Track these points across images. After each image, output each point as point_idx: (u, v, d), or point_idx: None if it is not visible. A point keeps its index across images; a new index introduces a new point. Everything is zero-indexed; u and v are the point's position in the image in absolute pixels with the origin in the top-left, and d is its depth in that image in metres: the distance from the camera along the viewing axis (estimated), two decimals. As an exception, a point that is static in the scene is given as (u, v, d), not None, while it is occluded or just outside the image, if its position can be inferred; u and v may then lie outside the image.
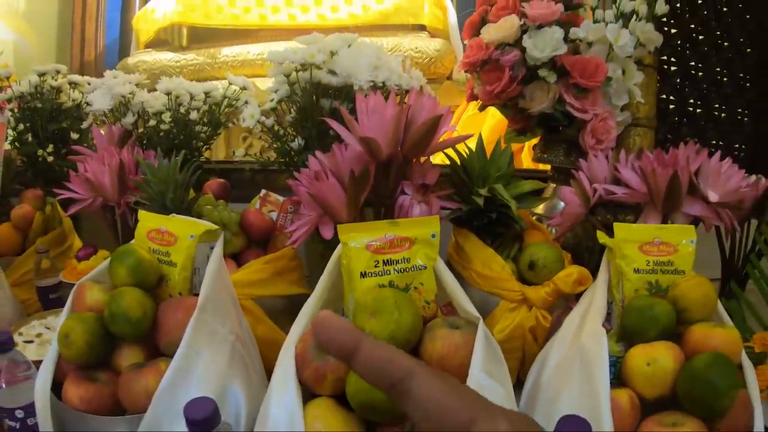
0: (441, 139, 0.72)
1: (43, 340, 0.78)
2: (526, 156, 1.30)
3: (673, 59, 1.15)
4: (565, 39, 0.89)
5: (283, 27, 1.49)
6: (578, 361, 0.56)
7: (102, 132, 0.94)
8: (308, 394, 0.48)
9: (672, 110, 1.15)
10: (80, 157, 0.91)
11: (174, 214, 0.65)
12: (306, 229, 0.71)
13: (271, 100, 0.88)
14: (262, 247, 0.81)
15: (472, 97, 0.93)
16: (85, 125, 0.99)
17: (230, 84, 1.01)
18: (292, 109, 0.86)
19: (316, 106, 0.85)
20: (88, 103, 0.97)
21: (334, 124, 0.70)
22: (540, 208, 0.97)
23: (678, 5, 1.15)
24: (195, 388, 0.51)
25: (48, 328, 0.81)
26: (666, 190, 0.73)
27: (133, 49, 1.57)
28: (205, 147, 1.04)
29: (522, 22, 0.88)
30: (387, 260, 0.52)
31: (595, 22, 0.91)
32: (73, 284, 0.62)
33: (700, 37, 1.16)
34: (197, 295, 0.57)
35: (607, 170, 0.82)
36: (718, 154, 0.78)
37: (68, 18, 1.50)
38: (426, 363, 0.47)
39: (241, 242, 0.79)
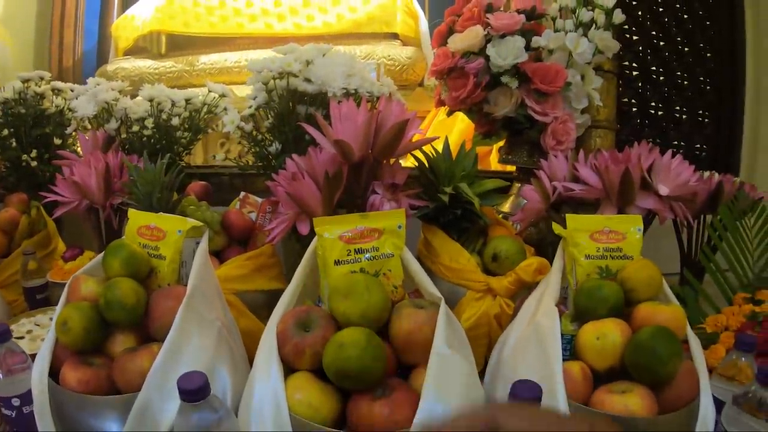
0: (409, 142, 0.82)
1: (33, 336, 0.86)
2: (494, 158, 1.40)
3: (635, 64, 1.27)
4: (528, 47, 0.99)
5: (260, 35, 1.59)
6: (534, 337, 0.64)
7: (87, 137, 1.02)
8: (289, 370, 0.57)
9: (634, 113, 1.26)
10: (66, 162, 0.99)
11: (162, 213, 0.74)
12: (284, 226, 0.80)
13: (250, 107, 0.98)
14: (243, 245, 0.89)
15: (440, 103, 1.03)
16: (69, 130, 1.07)
17: (210, 91, 1.10)
18: (269, 115, 0.95)
19: (292, 112, 0.94)
20: (71, 110, 1.05)
21: (310, 129, 0.79)
22: (506, 206, 1.07)
23: (639, 12, 1.26)
24: (185, 368, 0.58)
25: (38, 325, 0.88)
26: (619, 185, 0.83)
27: (111, 56, 1.65)
28: (185, 152, 1.12)
29: (486, 32, 0.98)
30: (358, 249, 0.61)
31: (556, 31, 1.02)
32: (61, 284, 0.70)
33: (662, 43, 1.27)
34: (185, 285, 0.65)
35: (566, 169, 0.92)
36: (669, 152, 0.88)
37: (46, 24, 1.58)
38: (394, 338, 0.56)
39: (222, 240, 0.87)
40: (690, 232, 1.05)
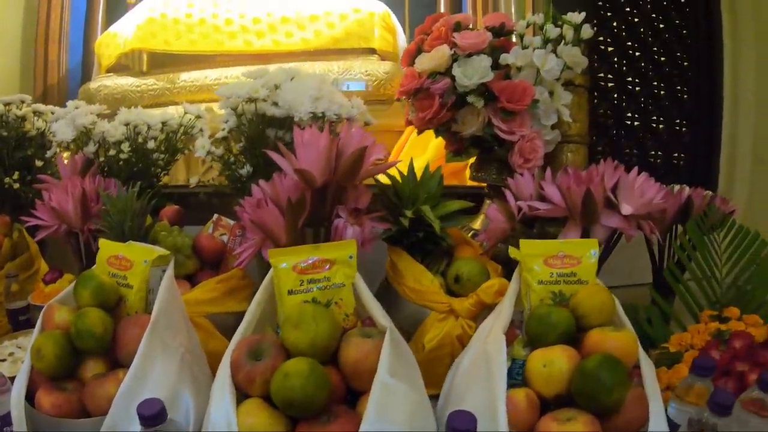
0: (373, 166, 0.88)
1: (15, 359, 0.92)
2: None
3: (610, 76, 1.31)
4: (497, 64, 1.04)
5: (239, 52, 1.65)
6: (482, 363, 0.68)
7: (65, 161, 1.08)
8: (243, 395, 0.62)
9: (611, 124, 1.31)
10: (45, 186, 1.05)
11: (131, 241, 0.80)
12: (250, 251, 0.86)
13: (223, 130, 1.04)
14: (215, 268, 0.95)
15: (409, 123, 1.08)
16: (49, 154, 1.13)
17: (185, 113, 1.16)
18: (240, 138, 1.00)
19: (262, 136, 1.00)
20: (52, 133, 1.11)
21: (274, 156, 0.85)
22: (477, 224, 1.12)
23: (615, 24, 1.31)
24: (149, 393, 0.65)
25: (19, 348, 0.94)
26: (582, 205, 0.87)
27: (95, 73, 1.72)
28: (163, 173, 1.18)
29: (453, 52, 1.03)
30: (310, 279, 0.67)
31: (524, 47, 1.06)
32: (41, 306, 0.76)
33: (638, 54, 1.32)
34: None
35: (532, 187, 0.97)
36: (635, 170, 0.92)
37: (31, 40, 1.65)
38: (343, 366, 0.62)
39: (194, 264, 0.94)
40: (662, 245, 1.07)
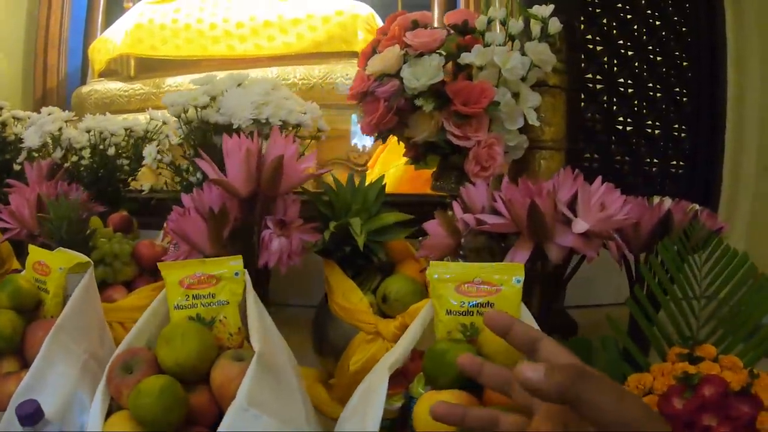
0: (303, 175, 0.90)
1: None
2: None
3: (599, 77, 1.27)
4: (460, 65, 1.03)
5: (222, 57, 1.72)
6: (365, 397, 0.65)
7: (32, 167, 1.16)
8: (118, 406, 0.65)
9: (600, 129, 1.27)
10: (11, 189, 1.14)
11: (60, 248, 0.86)
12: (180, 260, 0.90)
13: (179, 137, 1.09)
14: (154, 275, 1.00)
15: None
16: (19, 159, 1.22)
17: (151, 119, 1.22)
18: (189, 146, 1.05)
19: (210, 143, 1.04)
20: (21, 140, 1.20)
21: (203, 165, 0.89)
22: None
23: (604, 21, 1.27)
24: (46, 394, 0.70)
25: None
26: (527, 220, 0.81)
27: (89, 77, 1.83)
28: (130, 178, 1.25)
29: (404, 52, 1.02)
30: (195, 295, 0.69)
31: (487, 45, 1.03)
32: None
33: (630, 53, 1.28)
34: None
35: (486, 198, 0.95)
36: (598, 180, 0.87)
37: (32, 46, 1.78)
38: (212, 388, 0.63)
39: (132, 271, 0.99)
40: (637, 264, 1.01)
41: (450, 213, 1.16)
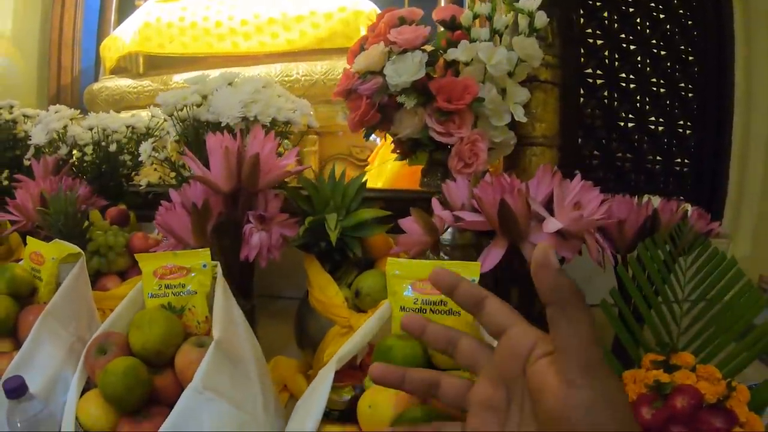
0: (283, 172, 0.98)
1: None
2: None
3: (599, 72, 1.32)
4: (451, 62, 1.09)
5: (227, 54, 1.83)
6: (314, 388, 0.71)
7: (38, 163, 1.29)
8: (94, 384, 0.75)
9: (599, 126, 1.32)
10: (20, 184, 1.26)
11: (56, 239, 0.97)
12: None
13: (176, 134, 1.19)
14: (146, 266, 1.10)
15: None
16: (28, 155, 1.35)
17: (152, 116, 1.33)
18: (182, 143, 1.15)
19: (202, 141, 1.13)
20: (29, 137, 1.32)
21: (188, 161, 0.98)
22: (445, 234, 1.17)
23: (605, 14, 1.31)
24: (33, 373, 0.81)
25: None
26: (498, 218, 0.85)
27: (100, 74, 1.97)
28: (133, 173, 1.36)
29: (389, 49, 1.09)
30: (167, 285, 0.79)
31: (473, 41, 1.09)
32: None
33: (632, 47, 1.31)
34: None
35: (465, 195, 1.01)
36: (578, 177, 0.90)
37: (47, 44, 1.92)
38: (176, 371, 0.72)
39: (126, 261, 1.09)
40: (624, 264, 1.04)
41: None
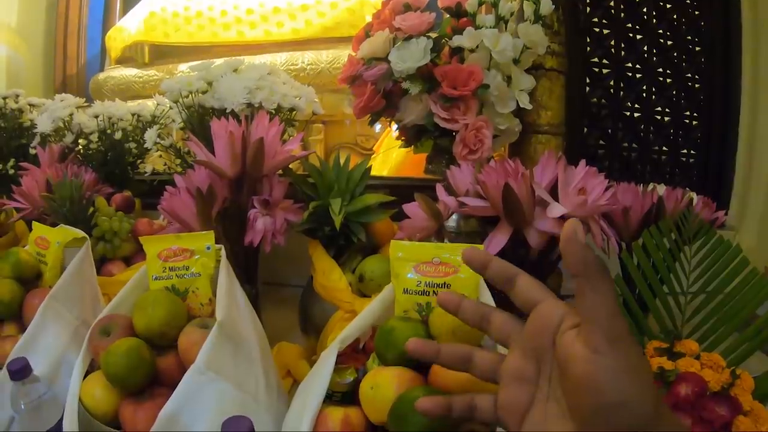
0: (288, 157, 0.98)
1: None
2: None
3: (606, 61, 1.31)
4: (457, 48, 1.08)
5: (233, 43, 1.83)
6: (316, 371, 0.70)
7: (44, 151, 1.29)
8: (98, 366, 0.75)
9: (605, 115, 1.31)
10: (26, 172, 1.27)
11: (61, 225, 0.97)
12: (169, 237, 0.99)
13: (181, 121, 1.19)
14: (151, 252, 1.11)
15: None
16: (33, 144, 1.35)
17: (158, 104, 1.33)
18: (188, 130, 1.15)
19: (207, 128, 1.13)
20: (35, 125, 1.33)
21: (193, 147, 0.98)
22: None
23: (612, 4, 1.31)
24: (38, 355, 0.81)
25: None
26: (502, 203, 0.84)
27: (106, 64, 1.97)
28: (139, 161, 1.36)
29: (394, 36, 1.09)
30: (171, 267, 0.79)
31: (478, 28, 1.09)
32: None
33: (638, 36, 1.31)
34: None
35: (470, 181, 1.01)
36: (582, 163, 0.90)
37: (53, 34, 1.93)
38: (179, 352, 0.72)
39: (131, 247, 1.10)
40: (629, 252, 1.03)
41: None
